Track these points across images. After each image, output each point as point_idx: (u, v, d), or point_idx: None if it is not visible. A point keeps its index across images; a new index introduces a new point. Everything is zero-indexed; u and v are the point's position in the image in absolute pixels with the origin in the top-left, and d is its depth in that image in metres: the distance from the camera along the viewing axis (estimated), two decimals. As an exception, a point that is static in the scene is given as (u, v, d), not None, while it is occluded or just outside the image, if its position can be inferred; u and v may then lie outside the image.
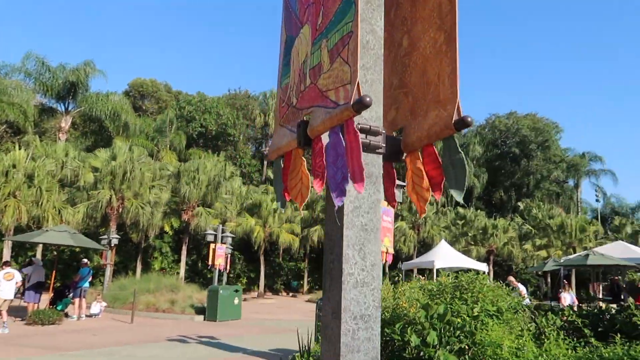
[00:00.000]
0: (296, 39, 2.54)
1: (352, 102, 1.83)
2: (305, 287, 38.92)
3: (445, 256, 27.90)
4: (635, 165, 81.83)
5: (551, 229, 40.23)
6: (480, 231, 39.93)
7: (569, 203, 52.20)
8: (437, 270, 27.35)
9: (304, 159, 2.29)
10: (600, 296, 24.85)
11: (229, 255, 23.47)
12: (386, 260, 12.11)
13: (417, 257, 35.66)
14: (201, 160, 31.67)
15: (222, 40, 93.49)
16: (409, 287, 7.06)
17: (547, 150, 50.03)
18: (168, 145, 35.86)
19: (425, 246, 39.94)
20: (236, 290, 17.39)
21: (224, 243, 22.52)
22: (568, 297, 17.92)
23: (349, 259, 2.11)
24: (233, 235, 24.68)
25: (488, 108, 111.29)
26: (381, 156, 2.28)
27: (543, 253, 39.38)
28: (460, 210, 42.56)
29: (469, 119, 1.96)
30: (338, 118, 1.94)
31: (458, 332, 4.64)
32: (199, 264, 34.53)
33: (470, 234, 40.00)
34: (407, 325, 4.81)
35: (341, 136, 1.97)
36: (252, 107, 45.82)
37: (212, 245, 21.53)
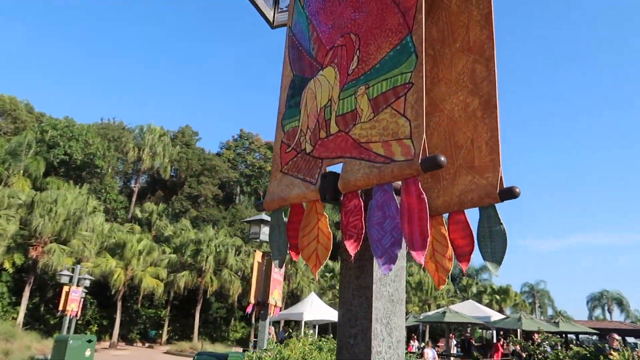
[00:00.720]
0: (311, 81, 2.30)
1: (420, 160, 1.64)
2: (165, 337, 35.97)
3: (313, 308, 28.03)
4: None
5: (410, 286, 42.96)
6: (348, 285, 41.10)
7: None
8: (305, 322, 27.24)
9: (325, 215, 2.01)
10: (454, 351, 26.73)
11: (82, 300, 20.87)
12: (272, 314, 11.69)
13: (285, 308, 35.36)
14: (61, 191, 28.36)
15: (99, 65, 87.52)
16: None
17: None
18: (22, 171, 31.60)
19: (294, 297, 39.88)
20: (89, 341, 15.32)
21: (80, 286, 20.05)
22: (430, 353, 18.89)
23: (377, 335, 1.85)
24: (92, 278, 22.08)
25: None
26: (403, 218, 2.10)
27: (402, 308, 41.65)
28: (329, 263, 43.62)
29: (517, 190, 1.89)
30: (392, 175, 1.73)
31: None
32: (41, 309, 30.13)
33: (337, 287, 40.98)
34: None
35: (393, 195, 1.75)
36: (126, 139, 42.90)
37: (65, 288, 19.00)
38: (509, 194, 1.89)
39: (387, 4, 2.02)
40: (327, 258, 1.94)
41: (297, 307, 30.09)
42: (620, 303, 64.60)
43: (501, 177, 1.95)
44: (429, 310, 36.99)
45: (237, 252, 37.06)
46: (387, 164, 1.76)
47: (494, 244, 1.93)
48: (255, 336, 38.80)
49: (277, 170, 2.32)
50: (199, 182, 42.80)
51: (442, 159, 1.61)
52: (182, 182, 43.62)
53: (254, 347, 29.47)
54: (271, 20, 3.41)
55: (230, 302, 37.93)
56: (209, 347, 30.93)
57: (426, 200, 1.65)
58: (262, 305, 11.59)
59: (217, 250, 34.80)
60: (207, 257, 33.79)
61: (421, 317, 29.52)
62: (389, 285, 1.95)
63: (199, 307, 34.45)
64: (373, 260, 1.93)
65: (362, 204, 1.86)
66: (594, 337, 31.96)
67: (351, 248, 1.83)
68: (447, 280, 2.14)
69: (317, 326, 32.16)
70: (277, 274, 11.96)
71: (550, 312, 60.83)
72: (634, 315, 63.81)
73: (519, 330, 26.62)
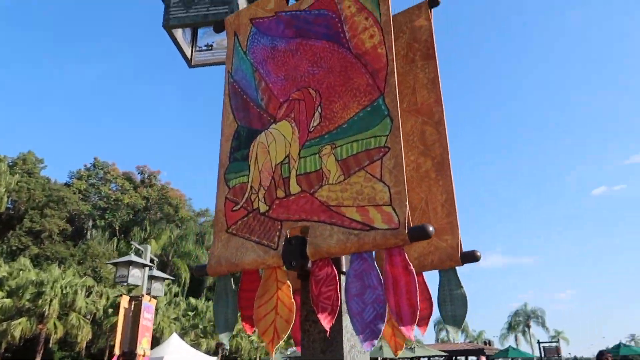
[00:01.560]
0: (262, 134, 2.13)
1: (407, 229, 1.59)
2: (-9, 398, 30.49)
3: (175, 351, 26.27)
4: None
5: (276, 320, 42.57)
6: (212, 323, 39.35)
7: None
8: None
9: (288, 284, 1.83)
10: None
11: None
12: (141, 365, 10.61)
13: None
14: None
15: None
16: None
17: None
18: None
19: (153, 340, 36.93)
20: None
21: None
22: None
23: (353, 414, 1.71)
24: None
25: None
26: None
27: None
28: (193, 301, 41.49)
29: (478, 254, 1.93)
30: (375, 244, 1.65)
31: None
32: None
33: (201, 326, 38.95)
34: None
35: (374, 264, 1.67)
36: (-52, 164, 36.54)
37: None
38: (471, 257, 1.93)
39: (352, 63, 1.98)
40: (288, 332, 1.77)
41: (157, 350, 27.86)
42: (461, 324, 71.48)
43: (460, 240, 1.98)
44: (293, 347, 37.01)
45: (87, 294, 33.31)
46: (367, 232, 1.67)
47: (454, 307, 1.94)
48: (108, 387, 34.85)
49: (221, 231, 2.09)
50: (43, 215, 37.94)
51: (431, 229, 1.57)
52: (22, 215, 38.29)
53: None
54: (189, 57, 3.16)
55: (77, 349, 33.74)
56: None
57: (414, 272, 1.59)
58: (129, 355, 10.48)
59: (64, 292, 30.91)
60: (50, 301, 29.77)
61: (289, 353, 29.37)
62: (357, 357, 1.83)
63: (38, 359, 29.99)
64: (342, 332, 1.80)
65: (336, 272, 1.74)
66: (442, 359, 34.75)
67: (325, 322, 1.68)
68: (403, 345, 2.09)
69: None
70: (146, 320, 10.97)
71: (403, 337, 64.60)
72: (472, 334, 70.96)
73: (379, 358, 27.92)
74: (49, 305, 29.52)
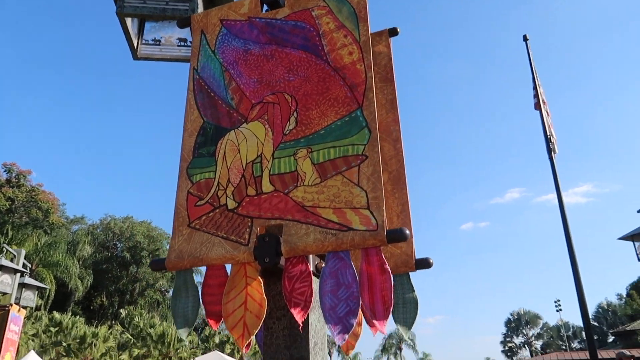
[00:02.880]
0: (232, 132, 2.14)
1: (385, 232, 1.72)
2: None
3: (32, 372, 23.69)
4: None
5: (151, 338, 40.20)
6: (78, 340, 36.00)
7: (166, 312, 54.01)
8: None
9: (259, 280, 1.85)
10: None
11: None
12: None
13: (-10, 373, 28.61)
14: None
15: None
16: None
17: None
18: None
19: (2, 359, 32.73)
20: None
21: None
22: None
23: (314, 409, 1.76)
24: None
25: (104, 207, 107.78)
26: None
27: (140, 364, 38.51)
28: (57, 315, 37.69)
29: (431, 261, 2.12)
30: (353, 243, 1.75)
31: None
32: None
33: (64, 344, 35.43)
34: None
35: (350, 263, 1.77)
36: None
37: None
38: (425, 264, 2.11)
39: (330, 75, 2.10)
40: (259, 327, 1.79)
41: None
42: (339, 346, 73.27)
43: (414, 248, 2.16)
44: (170, 365, 35.14)
45: None
46: (345, 232, 1.78)
47: (406, 309, 2.10)
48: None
49: (183, 225, 2.06)
50: None
51: (407, 232, 1.72)
52: None
53: None
54: (135, 49, 3.05)
55: None
56: None
57: (390, 271, 1.72)
58: (-12, 374, 9.30)
59: None
60: None
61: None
62: (318, 354, 1.90)
63: None
64: (309, 328, 1.87)
65: (310, 270, 1.81)
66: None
67: (299, 316, 1.74)
68: (355, 345, 2.20)
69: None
70: (12, 332, 9.85)
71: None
72: (348, 357, 72.91)
73: None
74: None
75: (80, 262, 44.75)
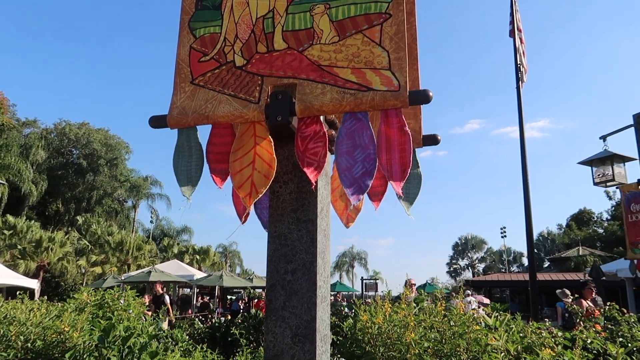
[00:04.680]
0: (240, -17, 1.95)
1: (408, 92, 1.64)
2: None
3: (-15, 271, 23.58)
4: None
5: (109, 246, 40.36)
6: (34, 244, 35.70)
7: (125, 222, 53.94)
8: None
9: (269, 139, 1.76)
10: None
11: None
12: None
13: None
14: None
15: None
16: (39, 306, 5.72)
17: (115, 168, 50.65)
18: None
19: (-47, 259, 32.34)
20: None
21: None
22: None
23: (319, 269, 1.77)
24: None
25: (59, 112, 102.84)
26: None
27: (98, 269, 38.91)
28: (10, 219, 36.94)
29: (439, 137, 2.08)
30: (372, 104, 1.67)
31: (142, 354, 4.27)
32: None
33: (20, 247, 35.10)
34: (79, 354, 4.05)
35: (368, 124, 1.70)
36: None
37: None
38: (432, 140, 2.08)
39: None
40: (267, 187, 1.73)
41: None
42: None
43: (421, 124, 2.12)
44: (129, 271, 35.69)
45: None
46: (364, 92, 1.69)
47: (410, 185, 2.09)
48: None
49: (185, 82, 1.91)
50: None
51: (431, 94, 1.65)
52: None
53: None
54: None
55: None
56: None
57: (410, 133, 1.67)
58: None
59: None
60: None
61: (123, 278, 28.25)
62: (323, 220, 1.88)
63: None
64: (317, 192, 1.83)
65: (325, 130, 1.74)
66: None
67: (312, 176, 1.69)
68: (355, 219, 2.19)
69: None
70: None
71: (238, 270, 66.70)
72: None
73: (217, 286, 28.57)
74: None
75: (34, 167, 43.32)
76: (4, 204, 39.76)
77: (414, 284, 8.38)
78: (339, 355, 5.88)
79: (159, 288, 12.60)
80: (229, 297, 35.02)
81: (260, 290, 32.85)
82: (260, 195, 1.72)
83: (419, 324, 3.71)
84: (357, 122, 1.70)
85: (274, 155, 1.74)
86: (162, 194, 55.68)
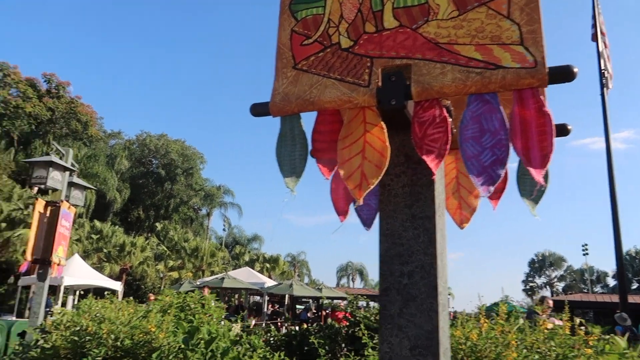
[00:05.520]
0: (345, -40, 1.81)
1: (547, 69, 1.41)
2: None
3: (76, 272, 25.21)
4: (254, 202, 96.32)
5: (185, 252, 42.08)
6: (118, 248, 37.97)
7: (199, 229, 56.14)
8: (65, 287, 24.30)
9: (381, 125, 1.59)
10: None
11: None
12: (55, 274, 9.89)
13: (27, 274, 30.63)
14: None
15: None
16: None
17: (191, 177, 52.92)
18: None
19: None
20: None
21: None
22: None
23: (440, 272, 1.56)
24: None
25: (140, 124, 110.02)
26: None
27: (175, 274, 40.63)
28: (97, 224, 39.57)
29: (569, 127, 1.82)
30: (503, 83, 1.45)
31: (224, 358, 4.18)
32: None
33: (105, 250, 37.46)
34: (165, 355, 4.02)
35: (498, 107, 1.48)
36: None
37: None
38: (562, 130, 1.82)
39: None
40: (379, 178, 1.56)
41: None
42: (362, 273, 75.55)
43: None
44: (203, 276, 36.96)
45: (-21, 205, 30.42)
46: (493, 70, 1.47)
47: (534, 182, 1.83)
48: (-3, 303, 32.62)
49: (287, 67, 1.78)
50: None
51: (575, 69, 1.41)
52: None
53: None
54: None
55: (-38, 263, 31.06)
56: None
57: (550, 114, 1.43)
58: (43, 262, 9.71)
59: (-50, 200, 27.95)
60: None
61: (198, 283, 29.24)
62: (440, 217, 1.67)
63: None
64: (433, 186, 1.63)
65: (445, 114, 1.54)
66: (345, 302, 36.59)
67: (433, 164, 1.49)
68: (470, 219, 1.97)
69: (77, 292, 29.03)
70: (64, 227, 10.19)
71: (306, 280, 67.18)
72: (370, 283, 75.30)
73: (287, 295, 28.78)
74: None
75: (118, 176, 46.23)
76: (92, 210, 42.65)
77: (551, 306, 6.95)
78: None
79: (152, 298, 13.04)
80: (297, 306, 35.21)
81: (333, 300, 32.80)
82: (371, 187, 1.55)
83: (521, 342, 3.37)
84: (484, 104, 1.49)
85: (387, 143, 1.57)
86: (234, 202, 57.49)
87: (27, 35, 78.89)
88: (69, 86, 43.92)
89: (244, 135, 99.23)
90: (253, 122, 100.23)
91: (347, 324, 7.51)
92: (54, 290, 24.70)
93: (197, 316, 5.45)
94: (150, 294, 16.37)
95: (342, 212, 2.00)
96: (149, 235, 47.25)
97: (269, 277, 42.47)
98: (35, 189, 40.05)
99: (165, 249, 43.45)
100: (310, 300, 37.94)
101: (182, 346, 3.82)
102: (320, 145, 1.70)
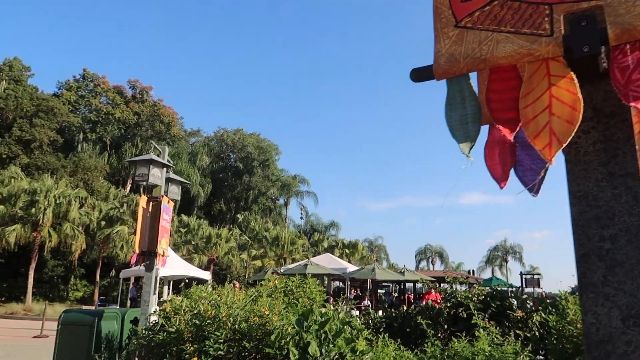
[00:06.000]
0: None
1: None
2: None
3: (169, 263, 26.61)
4: (329, 189, 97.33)
5: (267, 241, 43.38)
6: (204, 240, 39.89)
7: (277, 218, 57.63)
8: (161, 277, 25.72)
9: (570, 76, 1.45)
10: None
11: None
12: (161, 264, 10.52)
13: (136, 265, 32.96)
14: None
15: None
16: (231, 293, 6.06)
17: (267, 168, 54.30)
18: None
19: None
20: None
21: None
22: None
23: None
24: None
25: (217, 121, 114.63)
26: None
27: (258, 263, 42.06)
28: (184, 218, 41.75)
29: None
30: None
31: (337, 340, 4.12)
32: None
33: (193, 242, 39.49)
34: (281, 337, 4.03)
35: None
36: None
37: None
38: None
39: None
40: (572, 135, 1.41)
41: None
42: (441, 255, 74.02)
43: None
44: (285, 264, 37.91)
45: (80, 205, 33.15)
46: None
47: None
48: (102, 294, 35.60)
49: (447, 26, 1.67)
50: (32, 124, 36.68)
51: None
52: (10, 123, 36.96)
53: (103, 305, 26.74)
54: None
55: (70, 259, 34.06)
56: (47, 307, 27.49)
57: None
58: (148, 255, 10.33)
59: (57, 202, 30.64)
60: (44, 209, 29.56)
61: (282, 270, 30.02)
62: None
63: (33, 265, 30.19)
64: (633, 140, 1.46)
65: (653, 57, 1.36)
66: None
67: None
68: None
69: (171, 282, 30.83)
70: (165, 220, 10.76)
71: (384, 264, 66.90)
72: (451, 265, 73.69)
73: (369, 279, 28.80)
74: (43, 213, 29.37)
75: (200, 171, 48.45)
76: (178, 205, 45.06)
77: None
78: (543, 352, 5.28)
79: (237, 285, 13.33)
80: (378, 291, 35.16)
81: (434, 282, 32.48)
82: (563, 146, 1.41)
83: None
84: None
85: (579, 95, 1.42)
86: (309, 191, 58.31)
87: (113, 46, 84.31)
88: (152, 90, 46.51)
89: (313, 123, 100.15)
90: (316, 109, 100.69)
91: (437, 305, 7.30)
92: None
93: (300, 300, 5.52)
94: (235, 281, 16.99)
95: (500, 179, 1.88)
96: (232, 226, 49.18)
97: (349, 262, 42.76)
98: (128, 188, 43.05)
99: (248, 239, 45.03)
100: (391, 285, 37.77)
101: (297, 328, 3.84)
102: (496, 105, 1.58)
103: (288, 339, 3.81)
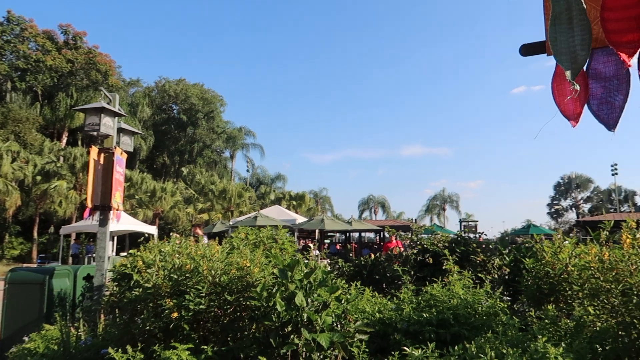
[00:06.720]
0: None
1: None
2: None
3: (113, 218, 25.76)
4: (276, 141, 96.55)
5: (213, 194, 42.88)
6: (148, 194, 38.83)
7: (223, 171, 56.84)
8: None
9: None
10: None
11: None
12: (114, 219, 10.15)
13: (76, 221, 31.68)
14: None
15: None
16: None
17: (212, 120, 52.88)
18: None
19: (83, 208, 36.01)
20: None
21: None
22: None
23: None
24: None
25: (158, 70, 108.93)
26: None
27: (205, 216, 41.65)
28: (127, 172, 40.25)
29: None
30: None
31: (320, 290, 4.25)
32: None
33: (137, 197, 38.35)
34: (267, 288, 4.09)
35: None
36: None
37: None
38: None
39: None
40: None
41: (91, 217, 27.13)
42: (383, 205, 76.26)
43: None
44: (232, 217, 37.79)
45: (12, 159, 31.08)
46: None
47: None
48: (41, 251, 34.12)
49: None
50: (-49, 70, 33.42)
51: None
52: None
53: (43, 262, 25.62)
54: None
55: (3, 216, 32.22)
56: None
57: None
58: (102, 209, 9.94)
59: (-14, 155, 28.58)
60: (-28, 164, 27.52)
61: (231, 223, 29.90)
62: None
63: (-38, 224, 28.35)
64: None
65: None
66: (373, 234, 37.24)
67: None
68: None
69: (115, 237, 30.07)
70: (118, 173, 10.33)
71: (329, 214, 68.03)
72: (392, 215, 76.17)
73: (317, 230, 29.36)
74: (-29, 169, 27.34)
75: (141, 123, 46.39)
76: (119, 159, 43.20)
77: None
78: (507, 293, 5.64)
79: (199, 231, 13.58)
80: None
81: (398, 231, 33.43)
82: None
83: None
84: None
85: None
86: (255, 143, 57.63)
87: (31, -16, 76.78)
88: (86, 36, 43.25)
89: (261, 72, 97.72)
90: (268, 56, 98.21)
91: (398, 253, 7.58)
92: (92, 236, 25.44)
93: (272, 251, 5.54)
94: (197, 229, 16.82)
95: (572, 116, 1.76)
96: (176, 180, 48.05)
97: (296, 214, 43.25)
98: (64, 141, 40.64)
99: (194, 192, 44.29)
100: (337, 234, 38.70)
101: (280, 279, 3.83)
102: (613, 26, 1.43)
103: (273, 290, 3.81)
